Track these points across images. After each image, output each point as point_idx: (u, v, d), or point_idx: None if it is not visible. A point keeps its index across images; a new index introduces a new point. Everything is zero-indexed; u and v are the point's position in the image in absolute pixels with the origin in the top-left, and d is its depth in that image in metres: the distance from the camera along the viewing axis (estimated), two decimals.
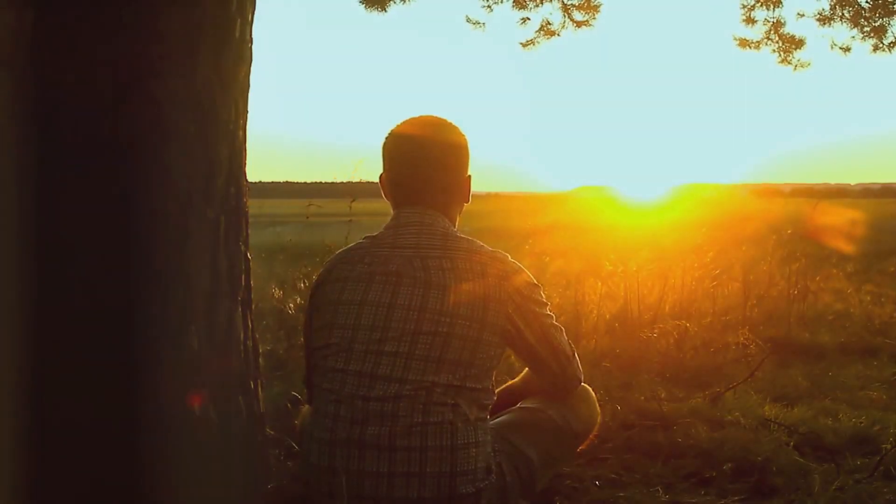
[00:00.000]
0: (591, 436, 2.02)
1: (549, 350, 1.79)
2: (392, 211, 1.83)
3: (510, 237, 6.79)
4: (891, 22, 5.70)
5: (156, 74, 1.80)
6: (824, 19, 5.88)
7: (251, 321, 2.14)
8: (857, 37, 5.87)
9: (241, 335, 2.06)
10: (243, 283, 2.08)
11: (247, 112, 2.09)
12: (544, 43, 5.97)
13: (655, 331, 3.88)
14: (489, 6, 5.80)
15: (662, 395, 3.05)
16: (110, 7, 1.75)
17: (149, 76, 1.79)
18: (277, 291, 4.63)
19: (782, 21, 6.02)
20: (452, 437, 1.60)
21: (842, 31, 6.05)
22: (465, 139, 1.84)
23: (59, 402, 1.76)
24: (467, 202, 1.89)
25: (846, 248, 7.53)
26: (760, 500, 2.17)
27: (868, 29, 5.77)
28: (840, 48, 5.97)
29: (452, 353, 1.63)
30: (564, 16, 5.84)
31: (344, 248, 1.85)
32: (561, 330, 1.82)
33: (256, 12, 2.11)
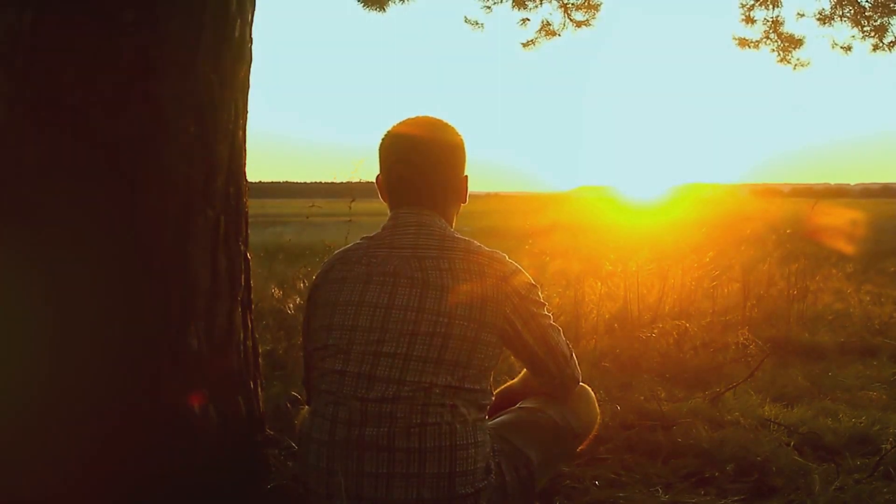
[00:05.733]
0: (590, 436, 2.02)
1: (546, 350, 1.79)
2: (389, 211, 1.83)
3: (510, 237, 6.78)
4: (891, 21, 5.71)
5: (156, 74, 1.80)
6: (824, 19, 5.88)
7: (251, 321, 2.14)
8: (857, 36, 5.88)
9: (241, 335, 2.06)
10: (243, 283, 2.08)
11: (247, 112, 2.09)
12: (545, 43, 5.98)
13: (655, 331, 3.88)
14: (489, 6, 5.80)
15: (662, 395, 3.05)
16: (110, 7, 1.75)
17: (149, 76, 1.79)
18: (277, 291, 4.63)
19: (781, 20, 6.03)
20: (451, 438, 1.60)
21: (842, 31, 6.05)
22: (461, 139, 1.83)
23: (59, 401, 1.76)
24: (464, 202, 1.89)
25: (846, 248, 7.52)
26: (760, 500, 2.16)
27: (868, 28, 5.77)
28: (841, 48, 5.98)
29: (450, 353, 1.63)
30: (564, 16, 5.85)
31: (342, 249, 1.84)
32: (559, 330, 1.82)
33: (256, 12, 2.11)
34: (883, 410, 2.93)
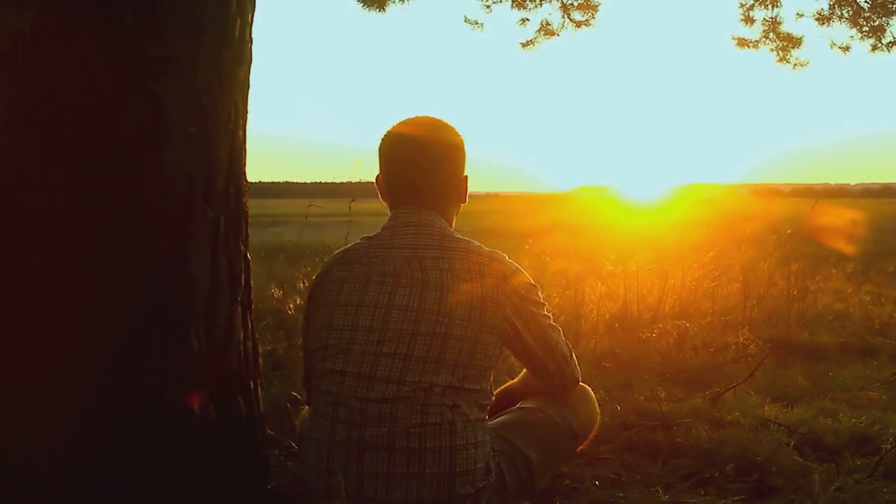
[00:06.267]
0: (590, 436, 2.02)
1: (546, 350, 1.79)
2: (389, 211, 1.83)
3: (510, 237, 6.78)
4: (889, 22, 5.71)
5: (156, 74, 1.80)
6: (823, 19, 5.89)
7: (251, 321, 2.14)
8: (855, 36, 5.89)
9: (241, 335, 2.06)
10: (243, 283, 2.08)
11: (247, 112, 2.09)
12: (544, 43, 5.99)
13: (655, 331, 3.88)
14: (488, 6, 5.81)
15: (662, 395, 3.04)
16: (110, 7, 1.75)
17: (149, 76, 1.79)
18: (277, 291, 4.63)
19: (780, 20, 6.04)
20: (451, 438, 1.60)
21: (841, 31, 6.07)
22: (461, 139, 1.84)
23: (59, 401, 1.76)
24: (464, 202, 1.89)
25: (846, 248, 7.53)
26: (760, 500, 2.16)
27: (867, 29, 5.78)
28: (840, 48, 5.99)
29: (450, 353, 1.63)
30: (564, 16, 5.86)
31: (341, 249, 1.84)
32: (559, 330, 1.83)
33: (256, 12, 2.11)
34: (883, 410, 2.93)
